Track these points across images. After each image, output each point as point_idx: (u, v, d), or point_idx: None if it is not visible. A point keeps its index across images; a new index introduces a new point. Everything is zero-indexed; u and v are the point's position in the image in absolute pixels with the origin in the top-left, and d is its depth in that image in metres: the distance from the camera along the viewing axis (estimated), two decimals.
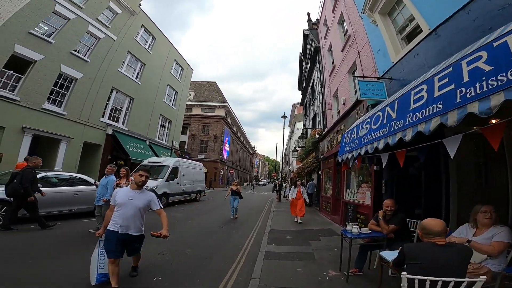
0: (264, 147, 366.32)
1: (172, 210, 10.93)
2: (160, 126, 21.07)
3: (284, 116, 23.02)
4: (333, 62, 12.15)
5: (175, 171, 13.00)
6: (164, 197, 11.68)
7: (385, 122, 3.27)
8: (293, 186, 10.31)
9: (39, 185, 6.14)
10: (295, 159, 39.40)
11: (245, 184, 61.33)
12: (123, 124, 16.60)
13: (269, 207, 14.90)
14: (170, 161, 13.07)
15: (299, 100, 35.39)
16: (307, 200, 9.89)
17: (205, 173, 37.27)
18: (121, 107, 16.55)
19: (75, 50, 12.92)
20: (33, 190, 5.78)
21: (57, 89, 12.33)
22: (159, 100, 20.33)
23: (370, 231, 4.05)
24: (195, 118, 37.58)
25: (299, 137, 15.61)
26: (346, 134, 5.01)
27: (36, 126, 11.16)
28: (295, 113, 45.17)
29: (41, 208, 6.44)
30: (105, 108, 15.18)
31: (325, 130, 12.92)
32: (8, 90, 10.30)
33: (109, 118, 15.50)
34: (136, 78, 17.73)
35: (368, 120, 3.88)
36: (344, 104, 9.96)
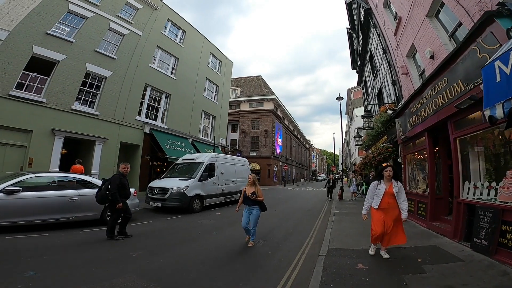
0: (320, 141, 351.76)
1: (205, 216, 8.83)
2: (203, 123, 19.71)
3: (339, 98, 19.10)
4: (396, 15, 9.45)
5: (211, 169, 10.96)
6: (198, 199, 9.69)
7: None
8: (374, 182, 4.48)
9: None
10: (357, 147, 34.08)
11: (302, 180, 57.69)
12: (162, 122, 15.56)
13: (329, 208, 11.67)
14: (204, 158, 11.08)
15: (355, 84, 30.30)
16: (404, 212, 4.13)
17: (257, 170, 35.64)
18: (158, 105, 15.52)
19: (100, 48, 12.14)
20: (121, 197, 5.57)
21: (86, 89, 11.62)
22: (198, 95, 18.96)
23: None
24: (243, 114, 36.04)
25: (363, 116, 11.82)
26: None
27: (66, 128, 10.49)
28: (352, 98, 39.55)
29: (19, 217, 5.27)
30: (140, 106, 14.24)
31: (402, 101, 9.14)
32: (34, 93, 9.77)
33: (146, 117, 14.55)
34: (171, 73, 16.57)
35: None
36: (432, 57, 6.64)
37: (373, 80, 15.85)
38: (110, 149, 12.25)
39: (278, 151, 37.35)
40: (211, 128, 20.75)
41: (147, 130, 14.05)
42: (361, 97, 37.02)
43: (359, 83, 25.05)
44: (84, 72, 11.36)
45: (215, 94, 21.51)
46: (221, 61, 22.70)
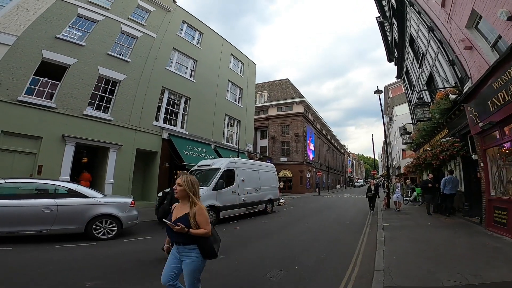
0: (356, 145, 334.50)
1: (219, 231, 7.25)
2: (227, 127, 18.50)
3: (378, 91, 16.54)
4: None
5: (229, 176, 9.44)
6: (212, 211, 8.17)
7: None
8: None
9: None
10: (400, 149, 29.89)
11: (338, 186, 53.65)
12: (181, 127, 14.62)
13: (374, 219, 9.35)
14: (221, 163, 9.61)
15: (392, 80, 26.64)
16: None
17: (289, 177, 33.36)
18: (177, 109, 14.65)
19: (112, 51, 11.62)
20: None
21: (100, 93, 11.05)
22: (221, 99, 17.85)
23: None
24: (272, 119, 34.45)
25: (415, 105, 9.21)
26: None
27: (78, 134, 9.86)
28: (390, 96, 35.68)
29: None
30: (158, 111, 13.44)
31: (470, 82, 6.78)
32: (44, 98, 9.31)
33: (164, 122, 13.69)
34: (190, 76, 15.72)
35: None
36: (509, 18, 4.67)
37: (419, 68, 13.17)
38: (126, 156, 11.47)
39: (311, 156, 34.83)
40: (237, 134, 19.45)
41: (165, 136, 13.15)
42: (401, 93, 33.06)
43: (399, 76, 21.91)
44: (96, 76, 10.82)
45: (239, 97, 20.29)
46: (243, 63, 21.53)
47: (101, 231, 5.58)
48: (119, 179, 10.99)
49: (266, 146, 35.04)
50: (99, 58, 10.97)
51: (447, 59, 8.76)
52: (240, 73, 21.05)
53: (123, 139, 11.43)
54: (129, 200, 6.22)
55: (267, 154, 33.96)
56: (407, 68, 17.15)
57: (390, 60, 21.39)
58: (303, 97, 34.02)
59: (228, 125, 18.59)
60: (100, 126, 10.75)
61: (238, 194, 9.52)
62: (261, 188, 11.05)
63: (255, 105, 36.08)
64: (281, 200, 16.24)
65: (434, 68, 10.74)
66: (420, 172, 14.76)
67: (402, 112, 31.44)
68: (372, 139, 30.22)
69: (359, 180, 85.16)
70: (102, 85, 11.20)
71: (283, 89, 37.40)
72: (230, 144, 17.99)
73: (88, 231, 5.35)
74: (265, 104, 35.29)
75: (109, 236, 5.66)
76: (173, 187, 4.25)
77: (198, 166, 10.32)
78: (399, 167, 30.99)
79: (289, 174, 32.34)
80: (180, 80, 14.83)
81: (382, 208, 12.39)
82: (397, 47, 17.58)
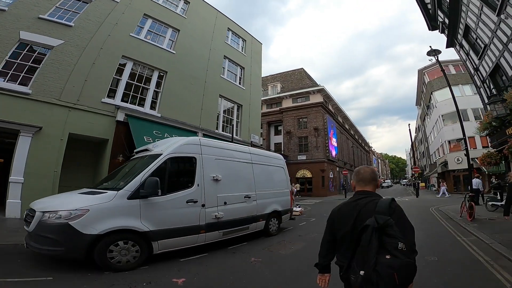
0: (379, 145, 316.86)
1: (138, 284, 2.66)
2: (223, 113, 14.00)
3: (432, 52, 11.20)
4: None
5: (182, 171, 4.98)
6: (125, 243, 3.64)
7: None
8: None
9: None
10: (444, 142, 23.05)
11: None
12: (152, 108, 10.34)
13: (479, 243, 4.25)
14: (167, 145, 5.05)
15: (425, 65, 20.56)
16: None
17: (308, 178, 28.00)
18: (147, 85, 10.43)
19: (51, 16, 8.22)
20: None
21: (19, 61, 7.35)
22: (213, 76, 13.46)
23: None
24: (287, 112, 29.49)
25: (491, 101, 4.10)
26: None
27: None
28: (427, 80, 29.17)
29: None
30: (115, 86, 9.32)
31: None
32: None
33: (124, 100, 9.50)
34: (170, 47, 11.58)
35: None
36: None
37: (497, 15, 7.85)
38: (48, 144, 7.34)
39: (334, 153, 29.29)
40: (238, 121, 14.88)
41: (120, 118, 8.90)
42: (441, 76, 26.53)
43: (450, 44, 15.78)
44: (15, 41, 7.35)
45: (240, 78, 15.80)
46: (245, 40, 17.15)
47: None
48: (34, 176, 6.88)
49: (281, 142, 30.13)
50: (25, 22, 7.55)
51: None
52: (242, 51, 16.68)
53: (45, 119, 7.33)
54: None
55: (282, 152, 29.03)
56: (466, 27, 11.55)
57: (432, 27, 15.58)
58: (322, 86, 28.69)
59: (223, 111, 14.08)
60: (10, 101, 6.80)
61: (203, 206, 4.86)
62: (257, 194, 6.30)
63: (267, 97, 31.44)
64: (296, 209, 11.38)
65: None
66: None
67: (445, 97, 25.02)
68: (409, 129, 24.23)
69: (386, 180, 77.35)
70: (25, 51, 7.45)
71: (298, 79, 32.34)
72: (226, 134, 13.41)
73: None
74: (278, 95, 30.44)
75: None
76: None
77: (136, 152, 5.92)
78: (445, 163, 24.49)
79: (308, 175, 27.11)
80: (153, 50, 10.69)
81: (458, 218, 7.20)
82: (438, 4, 12.28)
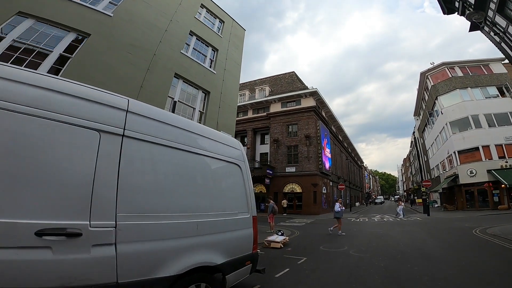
0: (368, 162, 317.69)
1: None
2: (179, 96, 10.09)
3: (476, 14, 7.81)
4: None
5: None
6: None
7: None
8: None
9: None
10: (453, 153, 19.14)
11: (357, 204, 43.28)
12: (57, 73, 6.43)
13: None
14: None
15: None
16: None
17: (298, 193, 23.64)
18: (51, 48, 6.57)
19: None
20: None
21: None
22: (170, 51, 9.76)
23: None
24: (275, 117, 25.94)
25: None
26: None
27: None
28: (430, 85, 26.47)
29: None
30: None
31: None
32: None
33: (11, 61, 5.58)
34: (105, 8, 7.91)
35: None
36: None
37: None
38: None
39: (327, 165, 25.57)
40: (201, 112, 10.99)
41: None
42: (447, 79, 23.85)
43: (474, 28, 12.39)
44: None
45: (210, 60, 12.14)
46: (223, 21, 13.79)
47: None
48: None
49: (267, 153, 26.33)
50: None
51: None
52: (218, 32, 13.21)
53: None
54: None
55: (268, 163, 25.13)
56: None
57: (448, 10, 12.54)
58: (315, 88, 25.48)
59: (180, 94, 10.18)
60: None
61: None
62: (120, 226, 2.18)
63: (253, 101, 27.80)
64: (277, 239, 7.35)
65: None
66: None
67: (453, 102, 22.05)
68: (413, 138, 20.86)
69: (378, 197, 74.35)
70: None
71: (289, 82, 29.16)
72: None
73: None
74: (265, 99, 26.99)
75: None
76: None
77: None
78: (454, 177, 21.03)
79: (298, 189, 23.15)
80: (68, 6, 6.95)
81: None
82: None
